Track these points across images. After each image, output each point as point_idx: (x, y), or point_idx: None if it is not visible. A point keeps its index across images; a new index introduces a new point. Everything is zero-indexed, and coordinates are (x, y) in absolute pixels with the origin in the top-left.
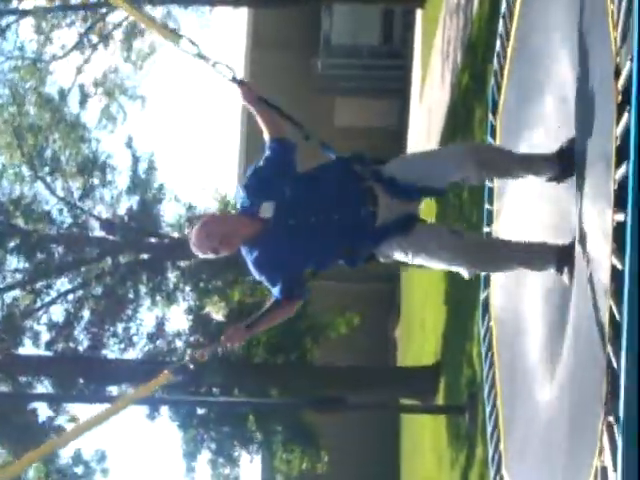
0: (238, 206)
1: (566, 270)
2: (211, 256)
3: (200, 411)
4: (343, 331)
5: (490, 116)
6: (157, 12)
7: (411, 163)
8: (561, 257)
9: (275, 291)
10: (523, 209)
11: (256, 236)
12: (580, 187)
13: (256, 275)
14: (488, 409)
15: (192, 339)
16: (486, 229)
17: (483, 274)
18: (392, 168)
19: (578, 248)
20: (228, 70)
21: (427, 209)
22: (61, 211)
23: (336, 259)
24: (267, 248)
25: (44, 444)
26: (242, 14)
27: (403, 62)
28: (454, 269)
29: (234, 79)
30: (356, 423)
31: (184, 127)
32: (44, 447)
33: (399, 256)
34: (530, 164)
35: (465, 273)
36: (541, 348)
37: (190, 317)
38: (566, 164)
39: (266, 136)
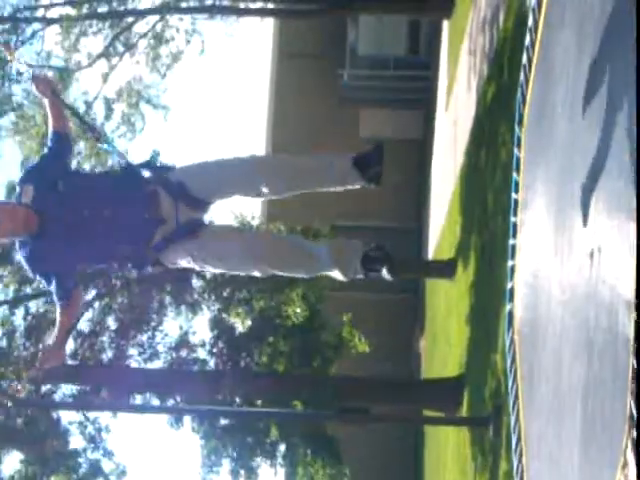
0: (14, 201)
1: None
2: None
3: (223, 421)
4: (362, 350)
5: (516, 128)
6: (184, 22)
7: (202, 170)
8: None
9: (55, 294)
10: (547, 221)
11: (29, 230)
12: (602, 201)
13: (30, 272)
14: (512, 422)
15: (215, 350)
16: (511, 241)
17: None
18: (182, 174)
19: (600, 261)
20: (24, 64)
21: (452, 220)
22: None
23: (116, 260)
24: (41, 244)
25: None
26: (268, 25)
27: (429, 73)
28: (242, 272)
29: (32, 75)
30: (379, 435)
31: (207, 137)
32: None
33: (185, 263)
34: (327, 175)
35: (257, 274)
36: (563, 361)
37: (213, 328)
38: (368, 170)
39: (50, 127)
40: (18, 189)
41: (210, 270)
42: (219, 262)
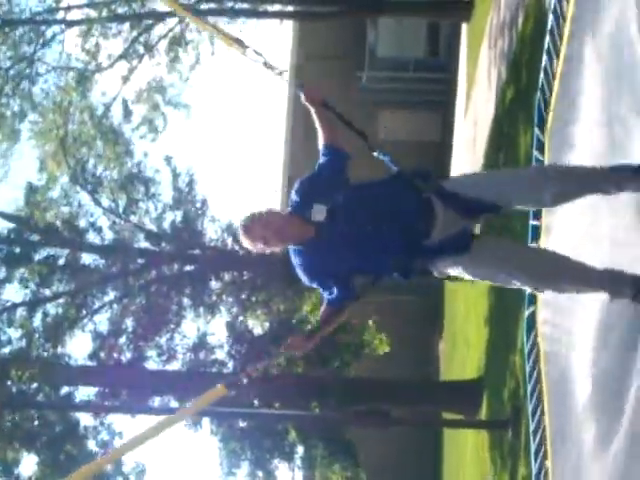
0: (290, 209)
1: None
2: (259, 247)
3: (241, 423)
4: (381, 351)
5: (536, 130)
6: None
7: (478, 180)
8: (638, 288)
9: (327, 297)
10: (570, 225)
11: (307, 240)
12: (624, 206)
13: (306, 280)
14: (533, 425)
15: (233, 351)
16: (531, 244)
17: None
18: (455, 184)
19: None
20: (288, 76)
21: None
22: (112, 223)
23: (390, 271)
24: (318, 253)
25: (102, 457)
26: (288, 27)
27: (448, 75)
28: (514, 286)
29: (299, 84)
30: (397, 437)
31: (228, 138)
32: (103, 459)
33: (455, 272)
34: (613, 180)
35: (528, 290)
36: (590, 365)
37: (231, 330)
38: None
39: (320, 141)
40: (295, 197)
41: (479, 279)
42: (490, 274)
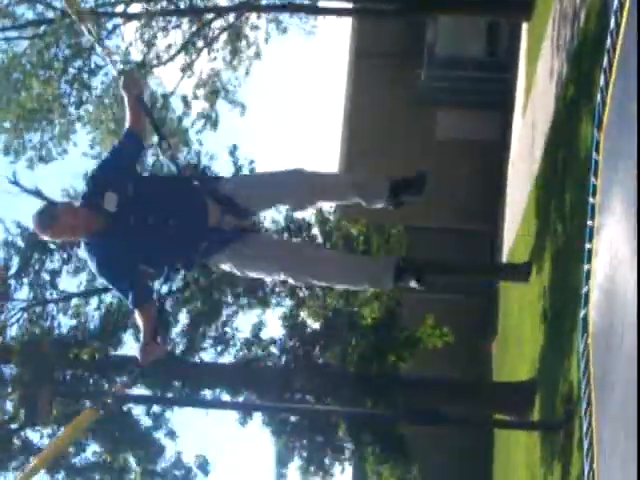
0: (81, 198)
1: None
2: (53, 239)
3: (293, 418)
4: (438, 344)
5: (595, 132)
6: (266, 20)
7: (251, 182)
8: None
9: (128, 300)
10: (625, 225)
11: (97, 232)
12: None
13: (97, 274)
14: (585, 427)
15: (288, 346)
16: (587, 245)
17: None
18: (230, 186)
19: None
20: (117, 62)
21: (527, 223)
22: None
23: (172, 264)
24: (110, 245)
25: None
26: (346, 24)
27: (507, 75)
28: (277, 278)
29: (121, 70)
30: (448, 437)
31: (283, 133)
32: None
33: (228, 268)
34: (361, 191)
35: (291, 282)
36: (638, 368)
37: (285, 324)
38: (397, 197)
39: (127, 125)
40: (87, 187)
41: (251, 276)
42: (254, 271)
